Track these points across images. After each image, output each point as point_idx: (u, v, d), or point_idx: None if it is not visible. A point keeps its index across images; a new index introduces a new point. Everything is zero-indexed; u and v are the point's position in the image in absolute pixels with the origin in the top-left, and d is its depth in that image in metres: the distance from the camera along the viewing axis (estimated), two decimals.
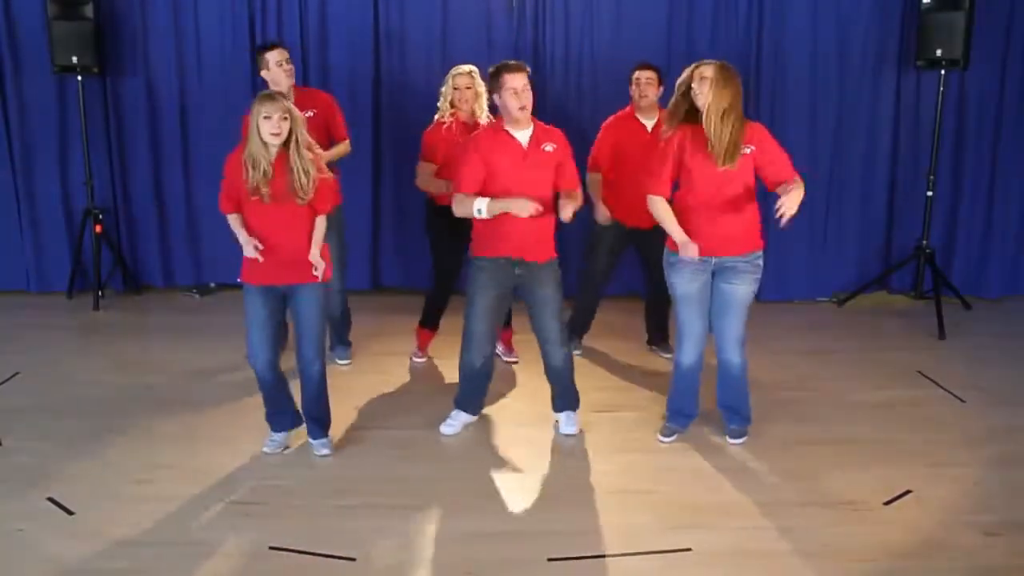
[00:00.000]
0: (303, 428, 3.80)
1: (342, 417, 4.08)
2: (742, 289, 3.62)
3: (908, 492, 3.44)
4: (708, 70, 3.48)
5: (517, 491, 3.47)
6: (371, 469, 3.63)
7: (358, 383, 4.52)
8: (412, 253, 6.01)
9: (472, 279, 3.77)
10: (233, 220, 3.52)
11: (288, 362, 3.78)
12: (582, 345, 4.99)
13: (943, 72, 5.54)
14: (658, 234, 3.86)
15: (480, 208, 3.59)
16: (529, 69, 3.67)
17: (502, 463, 3.73)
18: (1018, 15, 5.69)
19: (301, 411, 3.78)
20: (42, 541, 3.05)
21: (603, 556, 3.03)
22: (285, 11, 5.76)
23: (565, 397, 3.99)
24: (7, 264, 6.00)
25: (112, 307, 5.80)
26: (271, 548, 3.03)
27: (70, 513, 3.24)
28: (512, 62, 3.69)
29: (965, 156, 5.92)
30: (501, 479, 3.57)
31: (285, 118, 3.36)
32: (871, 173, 5.96)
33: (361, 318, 5.31)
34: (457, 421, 3.99)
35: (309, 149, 3.47)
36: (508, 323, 4.76)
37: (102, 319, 5.62)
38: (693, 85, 3.51)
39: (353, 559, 2.98)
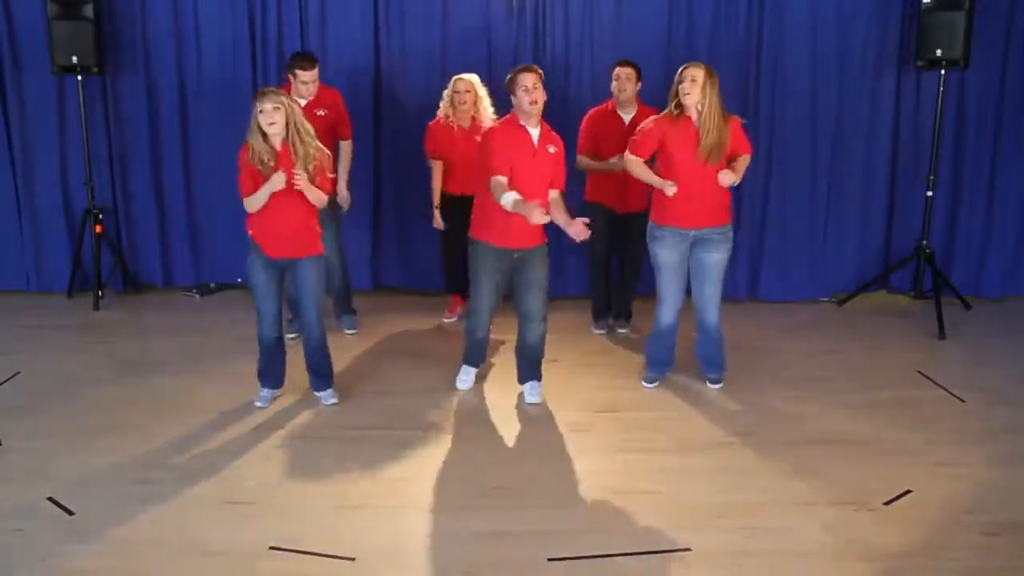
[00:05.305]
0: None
1: (342, 416, 4.10)
2: (717, 257, 4.20)
3: (908, 492, 3.44)
4: (699, 73, 4.00)
5: (517, 491, 3.47)
6: (371, 469, 3.63)
7: (358, 383, 4.52)
8: (412, 253, 6.02)
9: (477, 259, 4.10)
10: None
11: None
12: (598, 326, 5.33)
13: (943, 72, 5.54)
14: (641, 222, 4.44)
15: (506, 201, 3.78)
16: (541, 72, 3.97)
17: (502, 463, 3.73)
18: (1018, 15, 5.69)
19: (306, 367, 4.18)
20: (42, 541, 3.05)
21: (603, 556, 3.03)
22: (285, 11, 5.76)
23: (533, 369, 4.30)
24: (7, 264, 6.00)
25: (112, 307, 5.80)
26: (271, 548, 3.03)
27: (70, 513, 3.24)
28: (524, 65, 4.05)
29: (965, 156, 5.92)
30: (501, 479, 3.57)
31: (277, 108, 3.68)
32: (871, 173, 5.95)
33: (361, 318, 5.33)
34: (469, 376, 4.46)
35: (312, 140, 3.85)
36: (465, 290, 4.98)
37: (102, 319, 5.62)
38: (683, 85, 4.01)
39: (353, 559, 2.98)
